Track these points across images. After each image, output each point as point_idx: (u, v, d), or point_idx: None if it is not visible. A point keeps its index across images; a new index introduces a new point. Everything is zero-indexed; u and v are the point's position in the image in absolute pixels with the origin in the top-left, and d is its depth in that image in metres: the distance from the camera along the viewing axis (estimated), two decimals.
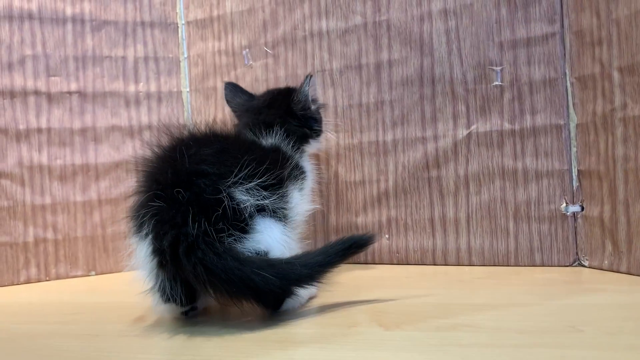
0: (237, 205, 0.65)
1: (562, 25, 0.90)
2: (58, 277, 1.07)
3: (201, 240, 0.62)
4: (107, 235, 1.10)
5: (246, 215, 0.65)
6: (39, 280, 1.05)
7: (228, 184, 0.65)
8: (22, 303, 0.90)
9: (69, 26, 1.10)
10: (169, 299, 0.67)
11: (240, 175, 0.66)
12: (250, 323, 0.68)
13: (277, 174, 0.71)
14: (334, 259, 0.67)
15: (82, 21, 1.10)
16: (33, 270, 1.05)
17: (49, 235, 1.06)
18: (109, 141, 1.11)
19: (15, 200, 1.04)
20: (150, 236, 0.65)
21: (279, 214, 0.70)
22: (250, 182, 0.67)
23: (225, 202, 0.64)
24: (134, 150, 1.13)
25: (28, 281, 1.05)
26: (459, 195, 0.97)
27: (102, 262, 1.10)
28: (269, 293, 0.63)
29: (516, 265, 0.93)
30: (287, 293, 0.66)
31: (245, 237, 0.65)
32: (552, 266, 0.91)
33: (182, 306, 0.68)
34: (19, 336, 0.69)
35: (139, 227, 0.67)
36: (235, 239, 0.64)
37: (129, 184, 1.12)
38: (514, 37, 0.93)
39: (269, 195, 0.68)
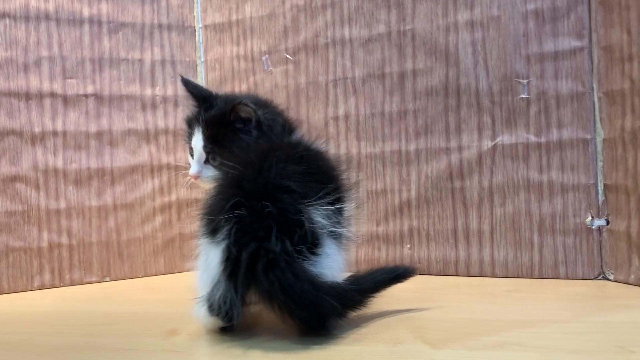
0: (315, 228, 0.64)
1: (590, 40, 0.91)
2: (72, 283, 1.05)
3: (282, 258, 0.60)
4: (122, 240, 1.09)
5: (321, 239, 0.65)
6: (53, 286, 1.03)
7: (312, 205, 0.65)
8: (38, 312, 0.88)
9: (86, 27, 1.08)
10: (218, 313, 0.63)
11: (324, 200, 0.66)
12: (292, 337, 0.66)
13: (348, 202, 0.73)
14: (381, 287, 0.71)
15: (99, 22, 1.08)
16: (47, 276, 1.03)
17: (64, 240, 1.04)
18: (124, 145, 1.10)
19: (30, 205, 1.02)
20: (226, 243, 0.62)
21: (342, 240, 0.70)
22: (331, 206, 0.66)
23: (307, 224, 0.63)
24: (150, 154, 1.11)
25: (42, 287, 1.03)
26: (482, 206, 0.97)
27: (116, 268, 1.08)
28: (329, 318, 0.64)
29: (540, 277, 0.94)
30: (343, 317, 0.66)
31: (315, 261, 0.64)
32: (576, 279, 0.91)
33: (229, 321, 0.65)
34: (47, 348, 0.68)
35: (213, 232, 0.64)
36: (308, 262, 0.62)
37: (144, 188, 1.10)
38: (542, 50, 0.93)
39: (344, 222, 0.69)
